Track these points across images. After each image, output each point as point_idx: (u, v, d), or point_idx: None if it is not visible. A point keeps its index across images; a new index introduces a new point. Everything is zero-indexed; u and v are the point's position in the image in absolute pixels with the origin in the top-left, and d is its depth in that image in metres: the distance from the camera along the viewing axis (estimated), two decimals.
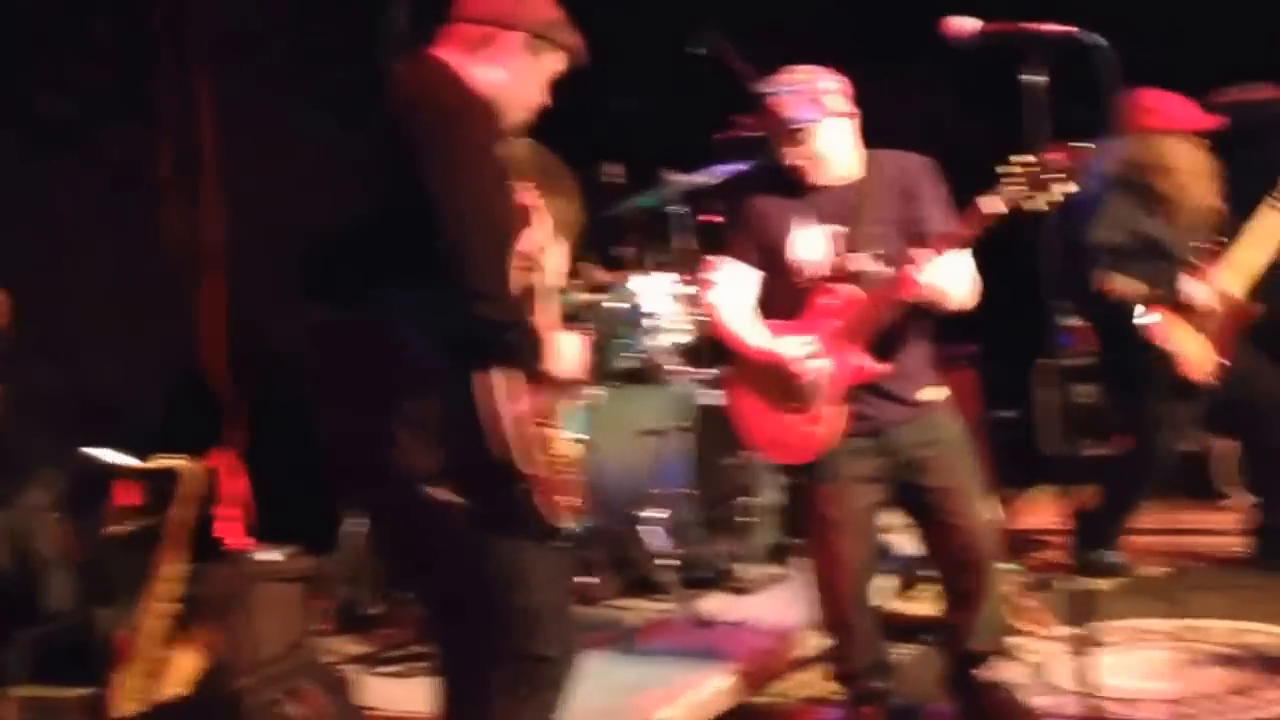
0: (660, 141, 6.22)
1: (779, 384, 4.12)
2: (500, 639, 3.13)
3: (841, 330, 4.07)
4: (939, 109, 7.36)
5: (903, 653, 5.03)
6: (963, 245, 3.91)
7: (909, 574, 5.62)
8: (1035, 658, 4.88)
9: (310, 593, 4.68)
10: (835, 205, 4.13)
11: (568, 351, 3.17)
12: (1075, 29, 3.28)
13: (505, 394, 2.99)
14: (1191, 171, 5.50)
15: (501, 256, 2.97)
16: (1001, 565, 5.06)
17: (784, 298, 4.17)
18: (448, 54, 3.17)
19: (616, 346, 5.72)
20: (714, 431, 5.59)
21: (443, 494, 3.01)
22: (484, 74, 3.14)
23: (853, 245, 4.09)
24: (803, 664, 4.98)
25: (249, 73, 6.19)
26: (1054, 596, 5.20)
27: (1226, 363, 5.55)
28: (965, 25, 3.47)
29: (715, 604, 5.40)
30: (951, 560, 4.23)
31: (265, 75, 6.24)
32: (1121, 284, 5.37)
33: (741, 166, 6.06)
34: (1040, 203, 3.77)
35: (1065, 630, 4.85)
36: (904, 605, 5.60)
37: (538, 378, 3.07)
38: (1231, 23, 7.19)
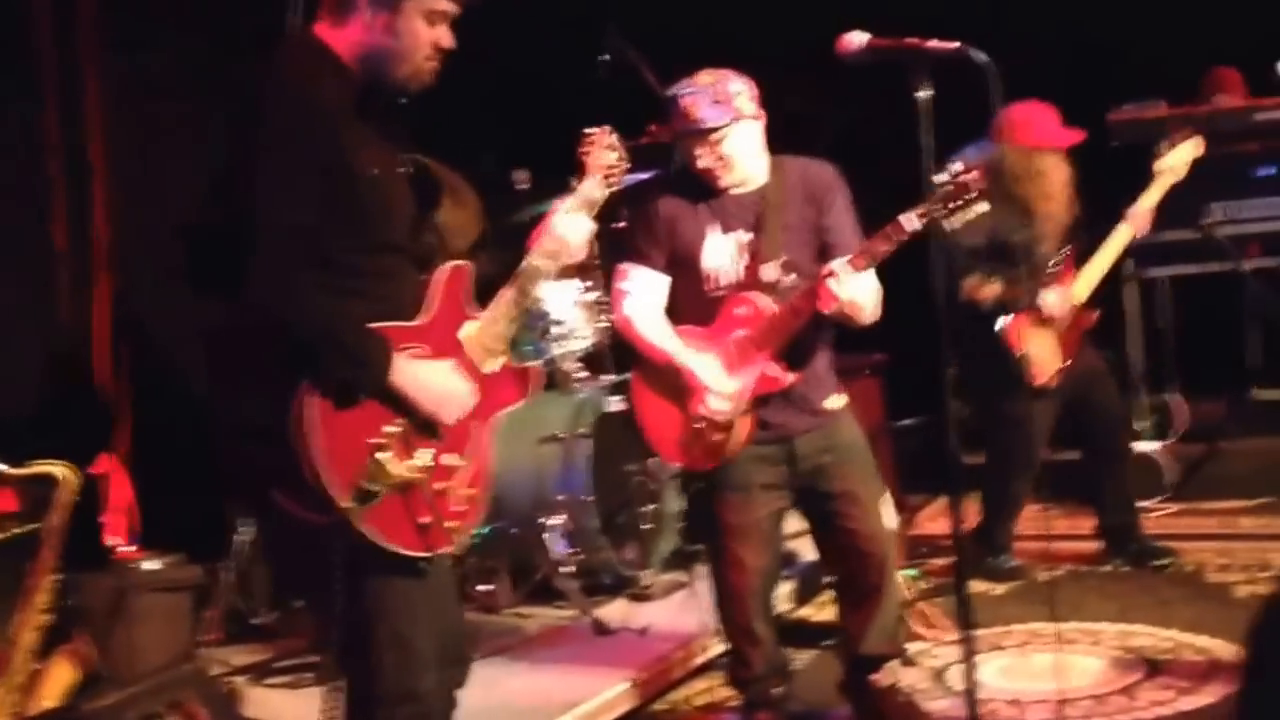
0: (569, 148, 6.21)
1: (689, 392, 4.10)
2: (360, 668, 3.02)
3: (752, 339, 4.06)
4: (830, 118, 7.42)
5: (802, 658, 5.07)
6: (875, 261, 3.92)
7: (810, 581, 5.65)
8: (933, 662, 4.92)
9: (197, 602, 4.61)
10: (743, 212, 4.12)
11: (432, 379, 2.98)
12: (961, 45, 3.29)
13: (316, 413, 2.81)
14: (1055, 184, 5.62)
15: (290, 254, 2.79)
16: (900, 571, 5.12)
17: (693, 304, 4.15)
18: (321, 27, 3.02)
19: (521, 353, 5.70)
20: (616, 438, 5.59)
21: (298, 510, 2.85)
22: (350, 39, 2.98)
23: (761, 253, 4.09)
24: (702, 671, 4.98)
25: (138, 72, 6.11)
26: (951, 602, 5.24)
27: (1067, 365, 5.68)
28: (854, 41, 3.48)
29: (615, 611, 5.40)
30: (848, 565, 4.24)
31: (154, 74, 6.17)
32: (979, 286, 5.48)
33: (647, 175, 6.08)
34: (956, 221, 3.86)
35: (961, 634, 4.92)
36: (805, 612, 5.63)
37: (379, 397, 2.88)
38: (1124, 41, 7.32)
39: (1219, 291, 7.18)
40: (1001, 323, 5.49)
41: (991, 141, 5.44)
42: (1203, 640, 4.88)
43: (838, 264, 3.92)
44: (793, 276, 4.08)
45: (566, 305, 5.77)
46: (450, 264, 3.13)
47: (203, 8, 6.25)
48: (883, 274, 4.04)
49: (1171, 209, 6.50)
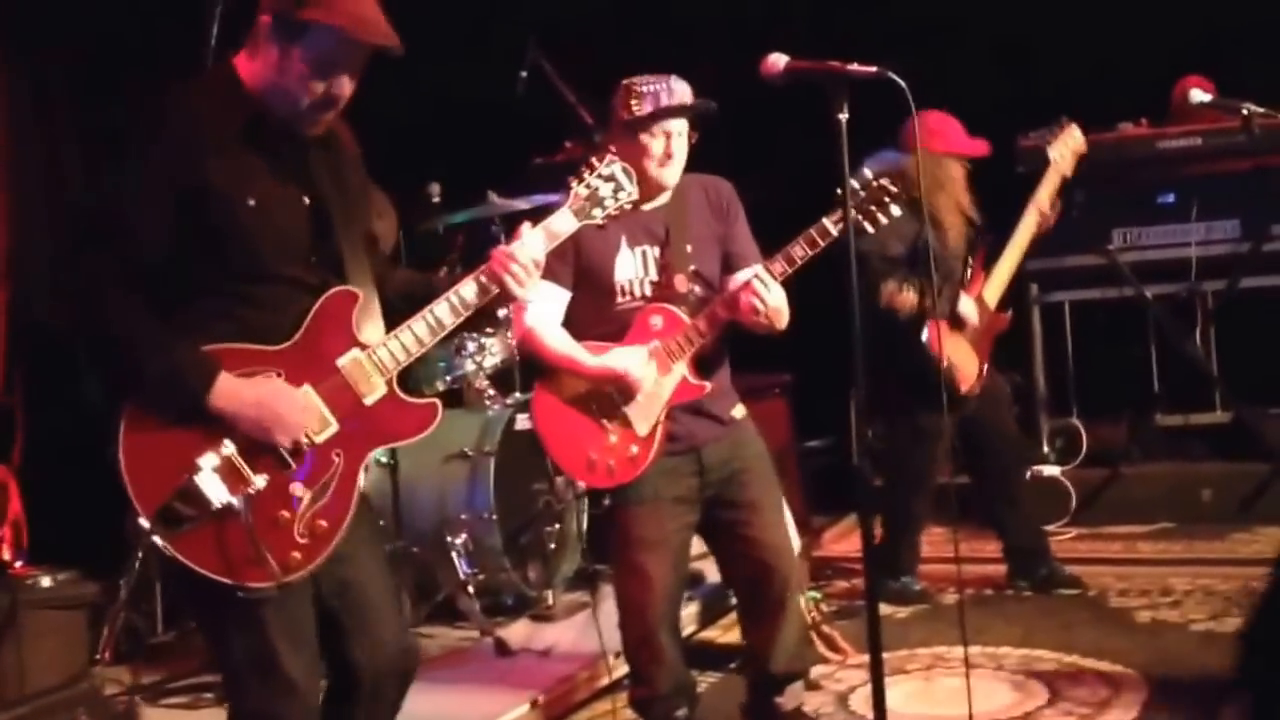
0: (486, 162, 6.18)
1: (599, 404, 4.05)
2: (226, 688, 3.03)
3: (669, 349, 4.06)
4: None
5: (707, 680, 5.04)
6: (793, 267, 3.97)
7: (715, 603, 5.62)
8: (837, 686, 4.91)
9: (92, 619, 4.51)
10: (650, 225, 4.13)
11: (264, 401, 2.85)
12: (879, 69, 3.30)
13: (129, 429, 2.78)
14: (962, 191, 5.67)
15: (102, 270, 2.76)
16: (806, 592, 5.11)
17: (599, 319, 4.12)
18: (240, 56, 2.99)
19: (434, 370, 5.64)
20: (522, 457, 5.54)
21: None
22: (253, 70, 2.94)
23: (671, 266, 4.11)
24: (605, 692, 4.93)
25: (41, 76, 6.00)
26: (855, 624, 5.24)
27: (987, 370, 5.72)
28: (776, 63, 3.48)
29: (518, 631, 5.34)
30: (751, 578, 4.22)
31: (52, 88, 6.07)
32: (896, 293, 5.49)
33: (555, 196, 6.05)
34: (870, 226, 4.02)
35: (866, 657, 4.91)
36: (710, 634, 5.60)
37: (198, 418, 2.80)
38: (1034, 67, 7.41)
39: (1120, 316, 7.26)
40: (925, 333, 5.48)
41: (897, 150, 5.46)
42: (1105, 664, 4.90)
43: (757, 270, 3.97)
44: (696, 288, 4.12)
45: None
46: (336, 289, 3.00)
47: (101, 23, 6.14)
48: (790, 295, 4.06)
49: (1074, 235, 6.61)
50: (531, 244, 3.23)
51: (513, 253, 3.19)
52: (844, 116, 3.28)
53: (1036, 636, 5.24)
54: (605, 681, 4.92)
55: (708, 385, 4.10)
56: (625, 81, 4.12)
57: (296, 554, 2.87)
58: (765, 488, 4.24)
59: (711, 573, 5.63)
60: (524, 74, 6.20)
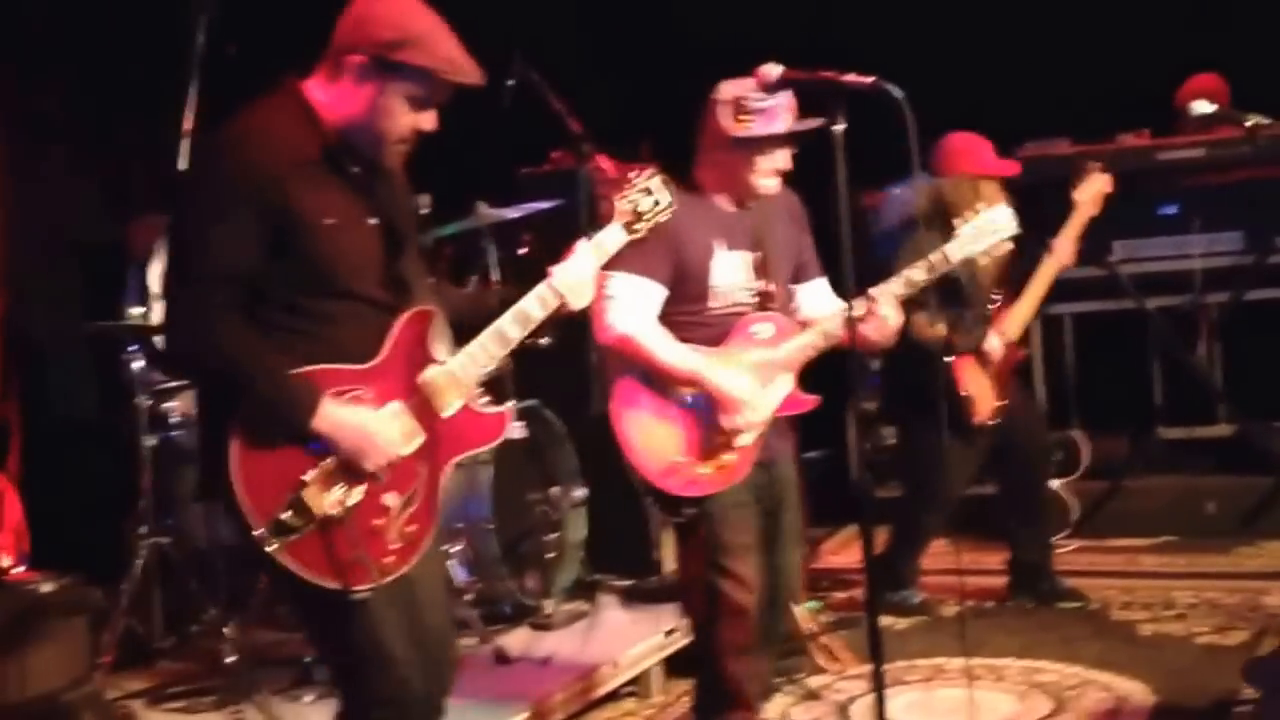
0: (473, 173, 6.18)
1: (698, 410, 3.91)
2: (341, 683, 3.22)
3: (778, 361, 3.95)
4: None
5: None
6: (910, 291, 3.97)
7: None
8: (837, 696, 4.89)
9: (94, 625, 4.51)
10: (742, 229, 3.99)
11: (357, 426, 3.00)
12: (875, 79, 3.28)
13: (239, 446, 2.94)
14: None
15: (203, 300, 2.91)
16: (805, 603, 5.10)
17: (689, 322, 3.95)
18: (312, 81, 3.07)
19: None
20: (519, 466, 5.53)
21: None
22: (332, 100, 3.04)
23: (764, 272, 4.00)
24: (603, 701, 4.92)
25: (38, 89, 6.02)
26: (855, 635, 5.22)
27: (1004, 404, 5.71)
28: (771, 72, 3.46)
29: (516, 640, 5.32)
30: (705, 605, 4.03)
31: (45, 101, 6.09)
32: (927, 326, 5.42)
33: (550, 204, 6.05)
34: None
35: (865, 668, 4.89)
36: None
37: (302, 440, 2.97)
38: (1029, 80, 7.40)
39: (1122, 329, 7.25)
40: (948, 362, 5.48)
41: (927, 173, 5.45)
42: (1108, 677, 4.89)
43: (880, 292, 3.92)
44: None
45: None
46: (414, 309, 3.14)
47: (93, 41, 6.17)
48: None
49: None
50: (586, 261, 3.35)
51: (568, 268, 3.30)
52: (840, 127, 3.26)
53: (1038, 649, 5.23)
54: (604, 691, 4.90)
55: (817, 400, 4.01)
56: (733, 92, 3.90)
57: (391, 558, 3.06)
58: (798, 514, 4.20)
59: None
60: (510, 83, 6.20)
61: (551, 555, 5.66)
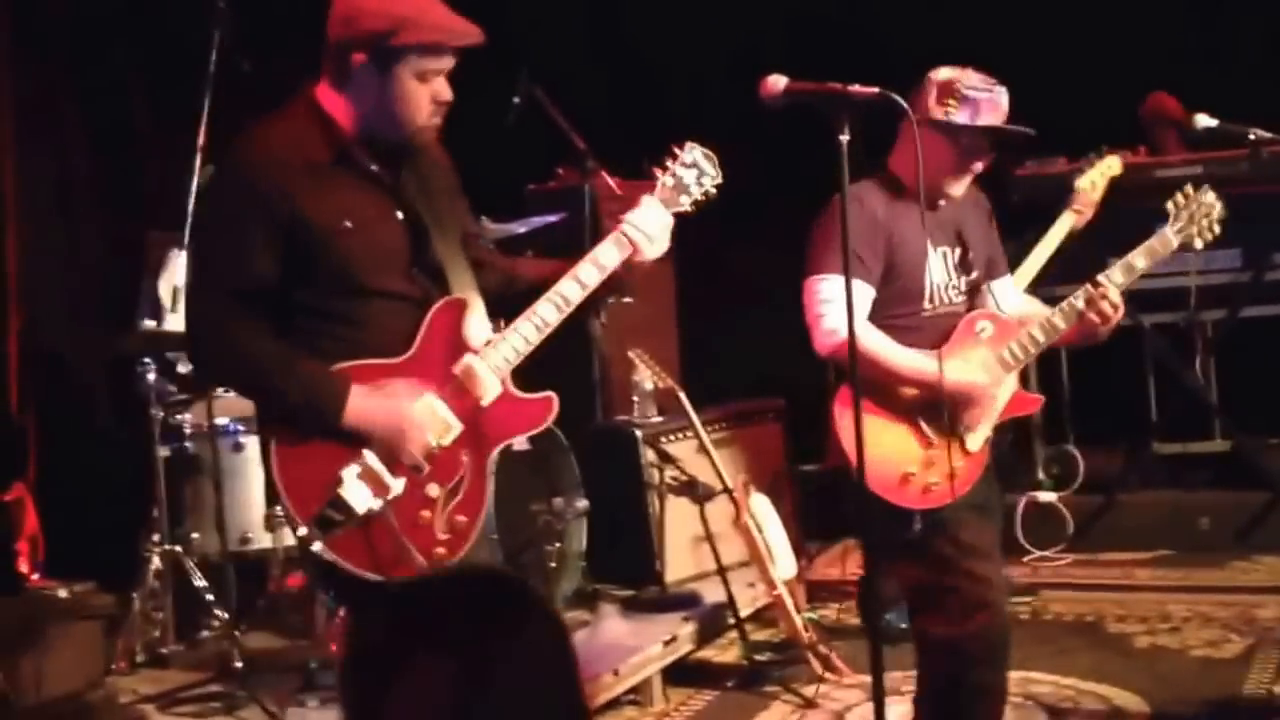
0: (479, 189, 6.23)
1: (926, 416, 3.67)
2: None
3: (1005, 359, 3.74)
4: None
5: (703, 699, 5.08)
6: (1130, 279, 3.85)
7: (713, 622, 5.65)
8: (834, 705, 4.94)
9: (107, 630, 4.56)
10: (945, 226, 3.81)
11: (392, 417, 3.03)
12: (881, 91, 3.31)
13: (279, 446, 3.02)
14: None
15: (217, 311, 2.99)
16: (803, 612, 5.15)
17: (903, 322, 3.69)
18: (321, 88, 3.11)
19: None
20: (522, 477, 5.57)
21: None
22: (347, 103, 3.08)
23: (971, 270, 3.85)
24: (605, 709, 4.96)
25: (54, 106, 6.07)
26: (850, 645, 5.27)
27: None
28: (776, 84, 3.46)
29: None
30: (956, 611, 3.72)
31: (71, 109, 6.14)
32: None
33: (554, 218, 6.11)
34: (1199, 241, 4.05)
35: (862, 678, 4.95)
36: (707, 653, 5.63)
37: (335, 435, 3.00)
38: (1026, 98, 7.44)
39: (1118, 344, 7.27)
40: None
41: None
42: (1103, 689, 4.94)
43: (1102, 280, 3.76)
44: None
45: None
46: (445, 299, 3.14)
47: (113, 52, 6.24)
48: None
49: (1069, 263, 6.59)
50: (654, 212, 3.28)
51: (641, 213, 3.26)
52: (845, 138, 3.27)
53: (1032, 661, 5.22)
54: (604, 700, 4.95)
55: (1041, 398, 3.93)
56: (948, 75, 3.73)
57: (441, 549, 3.06)
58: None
59: (708, 592, 5.68)
60: (516, 100, 6.27)
61: (553, 565, 5.70)
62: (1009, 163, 6.75)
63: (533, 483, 5.61)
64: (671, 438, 5.96)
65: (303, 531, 2.99)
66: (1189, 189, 4.04)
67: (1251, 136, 5.72)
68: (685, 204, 3.36)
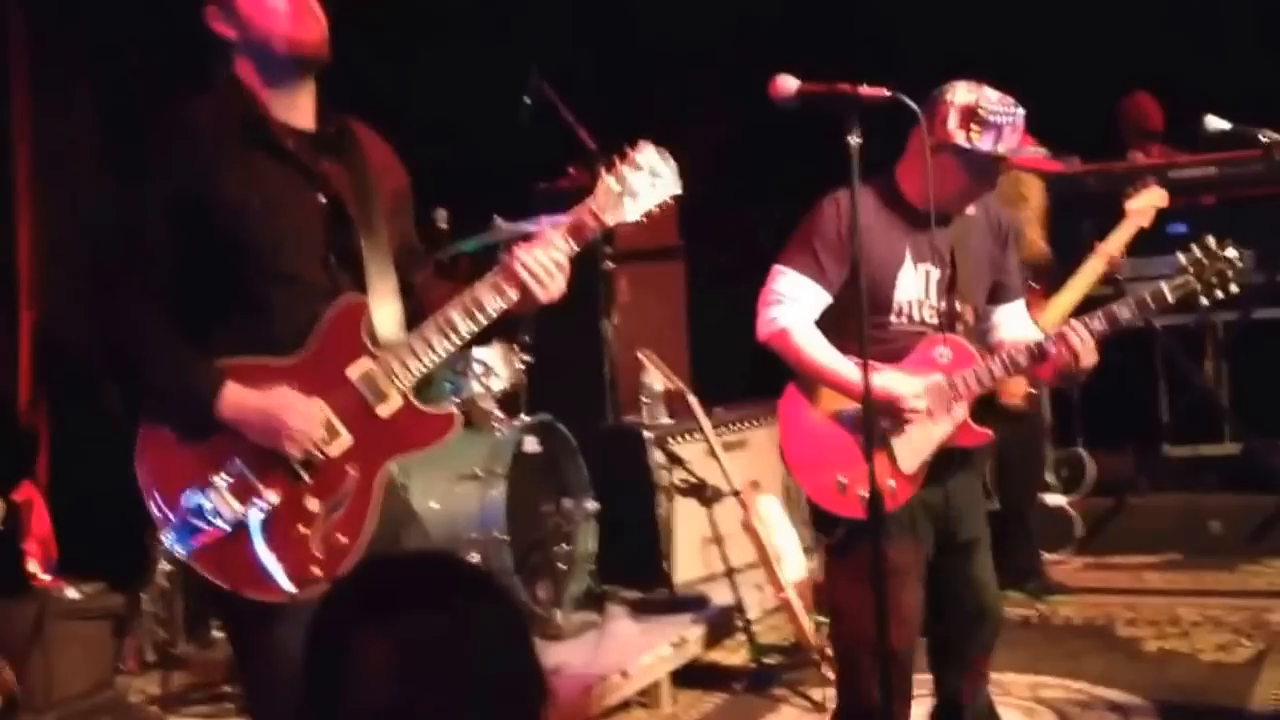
0: (490, 188, 6.24)
1: (862, 427, 3.52)
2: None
3: (955, 387, 3.65)
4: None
5: (712, 701, 5.07)
6: (1112, 328, 3.65)
7: (722, 624, 5.65)
8: None
9: (117, 630, 4.57)
10: (936, 242, 3.69)
11: (270, 410, 2.78)
12: (891, 92, 3.30)
13: (147, 442, 2.81)
14: (1038, 209, 5.72)
15: (120, 284, 2.80)
16: (813, 615, 5.14)
17: (854, 333, 3.40)
18: (238, 62, 2.97)
19: (440, 389, 5.68)
20: (532, 479, 5.57)
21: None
22: (241, 58, 2.93)
23: (955, 292, 3.74)
24: (613, 712, 4.97)
25: (67, 96, 6.08)
26: None
27: (1033, 392, 5.72)
28: (787, 85, 3.45)
29: None
30: (960, 620, 3.84)
31: (85, 108, 6.15)
32: None
33: (562, 218, 6.09)
34: (1205, 299, 3.81)
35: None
36: (716, 655, 5.63)
37: (207, 430, 2.77)
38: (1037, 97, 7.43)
39: (1129, 346, 7.27)
40: None
41: None
42: (1114, 692, 4.92)
43: (1074, 325, 3.60)
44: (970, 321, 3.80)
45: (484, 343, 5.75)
46: (344, 297, 2.90)
47: (127, 52, 6.25)
48: None
49: (1082, 263, 6.58)
50: (555, 244, 2.98)
51: (532, 252, 2.94)
52: (856, 140, 3.27)
53: (1043, 664, 5.25)
54: (614, 701, 4.95)
55: (990, 434, 3.70)
56: (967, 98, 3.63)
57: (315, 568, 2.78)
58: (983, 524, 3.89)
59: (717, 594, 5.68)
60: (527, 100, 6.26)
61: (563, 566, 5.70)
62: None
63: (543, 485, 5.61)
64: (681, 439, 5.96)
65: (163, 535, 2.78)
66: (1209, 242, 3.81)
67: (1264, 139, 5.74)
68: (634, 214, 3.04)
